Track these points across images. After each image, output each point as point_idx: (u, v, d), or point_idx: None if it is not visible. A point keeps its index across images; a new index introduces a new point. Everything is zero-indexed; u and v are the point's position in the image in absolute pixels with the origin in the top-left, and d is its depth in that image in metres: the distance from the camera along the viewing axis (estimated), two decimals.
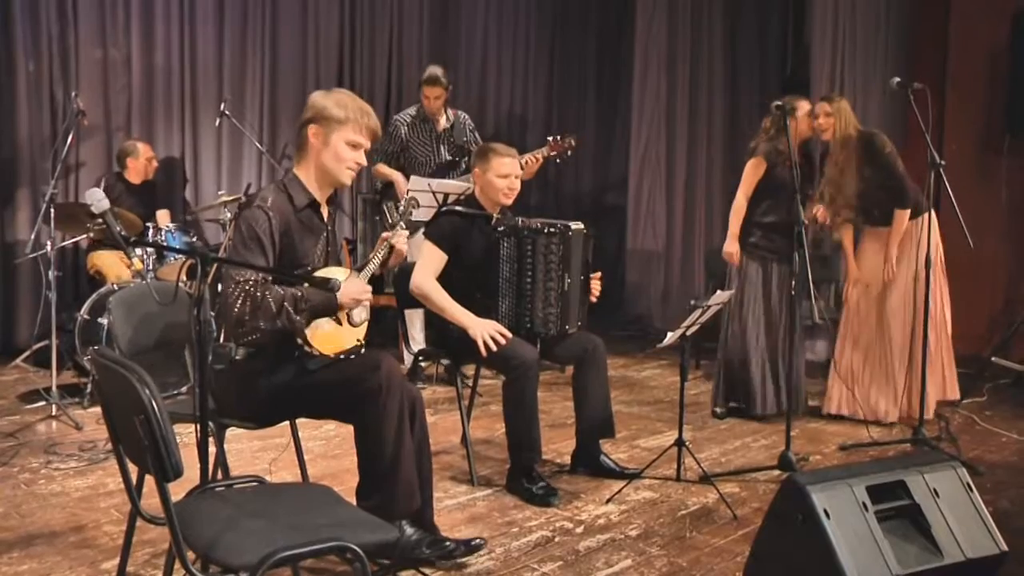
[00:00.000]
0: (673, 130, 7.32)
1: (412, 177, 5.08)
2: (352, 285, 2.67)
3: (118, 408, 1.94)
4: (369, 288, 2.76)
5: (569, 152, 5.10)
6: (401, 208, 3.14)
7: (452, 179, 5.17)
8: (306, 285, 2.63)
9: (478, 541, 2.88)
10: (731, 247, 4.61)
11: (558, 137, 5.08)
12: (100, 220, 2.25)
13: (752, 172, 4.58)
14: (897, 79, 4.19)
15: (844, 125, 4.45)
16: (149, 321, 2.93)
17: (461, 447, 3.97)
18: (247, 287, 2.51)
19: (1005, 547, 2.51)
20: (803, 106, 4.54)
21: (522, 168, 4.60)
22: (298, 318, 2.57)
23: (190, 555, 1.84)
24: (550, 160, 5.13)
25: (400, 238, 2.94)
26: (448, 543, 2.80)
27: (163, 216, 5.61)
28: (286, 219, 2.66)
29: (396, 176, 5.22)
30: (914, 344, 4.49)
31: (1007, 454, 4.21)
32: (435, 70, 5.25)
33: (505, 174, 3.66)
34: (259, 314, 2.52)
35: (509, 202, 3.70)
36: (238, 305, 2.50)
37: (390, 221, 5.34)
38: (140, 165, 5.56)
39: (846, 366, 4.70)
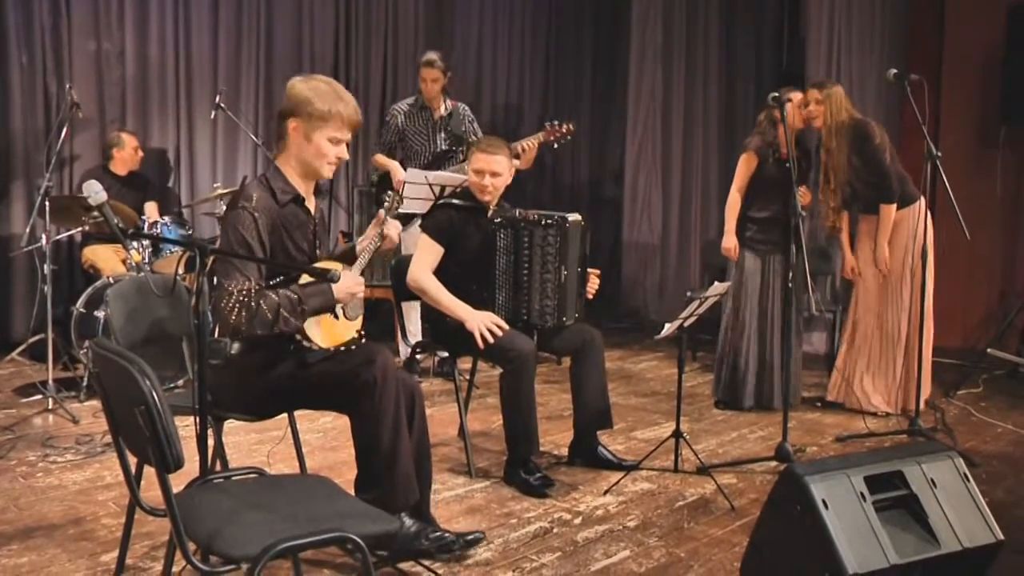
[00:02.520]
0: (669, 122, 7.32)
1: (409, 170, 5.07)
2: (346, 280, 2.66)
3: (118, 399, 1.93)
4: (362, 280, 2.75)
5: (568, 137, 5.07)
6: (386, 204, 3.09)
7: (448, 169, 5.16)
8: (303, 281, 2.63)
9: (476, 535, 2.88)
10: (728, 242, 4.64)
11: (555, 122, 5.05)
12: (96, 213, 2.24)
13: (744, 167, 4.61)
14: (894, 71, 4.20)
15: (836, 111, 4.44)
16: (146, 314, 2.93)
17: (458, 439, 3.98)
18: (241, 297, 2.50)
19: (1001, 536, 2.53)
20: (795, 97, 4.54)
21: (518, 156, 4.57)
22: (295, 321, 2.56)
23: (191, 546, 1.84)
24: (547, 146, 5.10)
25: (391, 226, 2.91)
26: (447, 535, 2.80)
27: (151, 208, 5.58)
28: (272, 217, 2.62)
29: (393, 166, 5.21)
30: (911, 335, 4.51)
31: (1002, 445, 4.23)
32: (431, 53, 5.27)
33: (478, 169, 3.64)
34: (255, 322, 2.51)
35: (486, 198, 3.66)
36: (234, 316, 2.49)
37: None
38: (126, 155, 5.52)
39: (844, 356, 4.72)
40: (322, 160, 2.68)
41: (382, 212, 2.94)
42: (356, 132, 2.77)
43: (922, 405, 4.45)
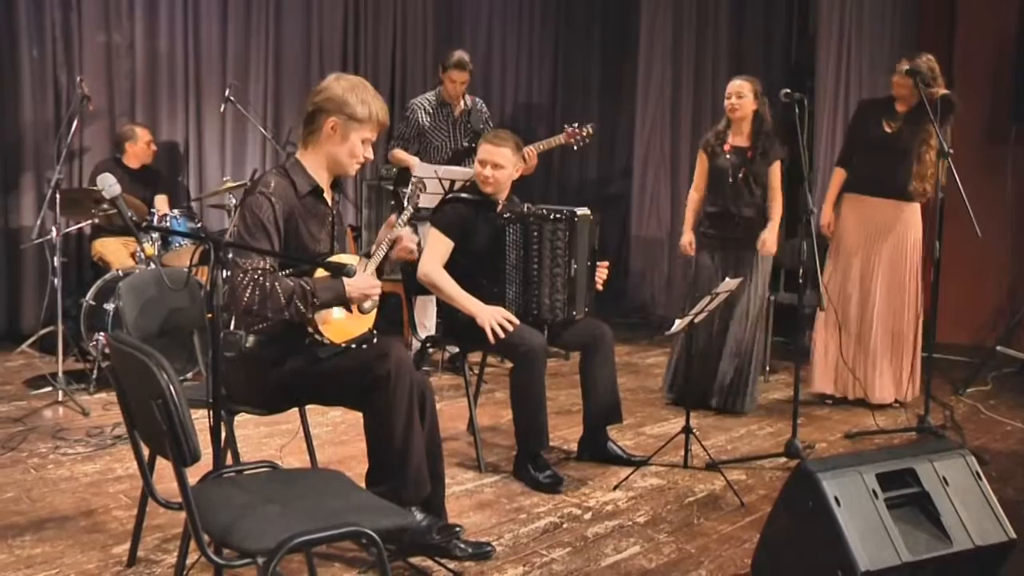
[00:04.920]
0: (677, 118, 7.29)
1: (419, 164, 5.06)
2: (361, 280, 2.67)
3: (134, 392, 1.94)
4: (379, 284, 2.76)
5: (587, 139, 5.09)
6: (408, 192, 3.12)
7: (466, 165, 5.16)
8: (316, 275, 2.63)
9: (486, 548, 2.84)
10: (684, 238, 4.68)
11: (575, 125, 5.07)
12: (107, 206, 2.25)
13: (698, 165, 4.65)
14: (906, 68, 4.19)
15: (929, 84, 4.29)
16: (156, 307, 2.94)
17: (467, 434, 3.98)
18: (256, 276, 2.52)
19: (1013, 535, 2.52)
20: (743, 88, 4.47)
21: (524, 160, 4.56)
22: (305, 311, 2.57)
23: (205, 538, 1.84)
24: (567, 147, 5.12)
25: (406, 232, 2.92)
26: (458, 529, 2.80)
27: (161, 201, 5.58)
28: (290, 205, 2.66)
29: (413, 162, 5.17)
30: (906, 330, 4.58)
31: (1012, 443, 4.22)
32: (462, 54, 5.19)
33: (480, 160, 3.65)
34: (268, 304, 2.52)
35: (487, 189, 3.66)
36: (247, 294, 2.51)
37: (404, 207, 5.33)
38: (139, 149, 5.53)
39: (832, 348, 4.72)
40: (353, 160, 2.74)
41: (393, 217, 2.94)
42: (383, 133, 2.82)
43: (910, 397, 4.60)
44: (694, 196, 4.67)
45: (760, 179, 4.46)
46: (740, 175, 4.44)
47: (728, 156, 4.47)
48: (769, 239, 4.42)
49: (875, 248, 4.61)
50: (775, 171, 4.48)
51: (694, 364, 4.39)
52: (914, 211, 4.59)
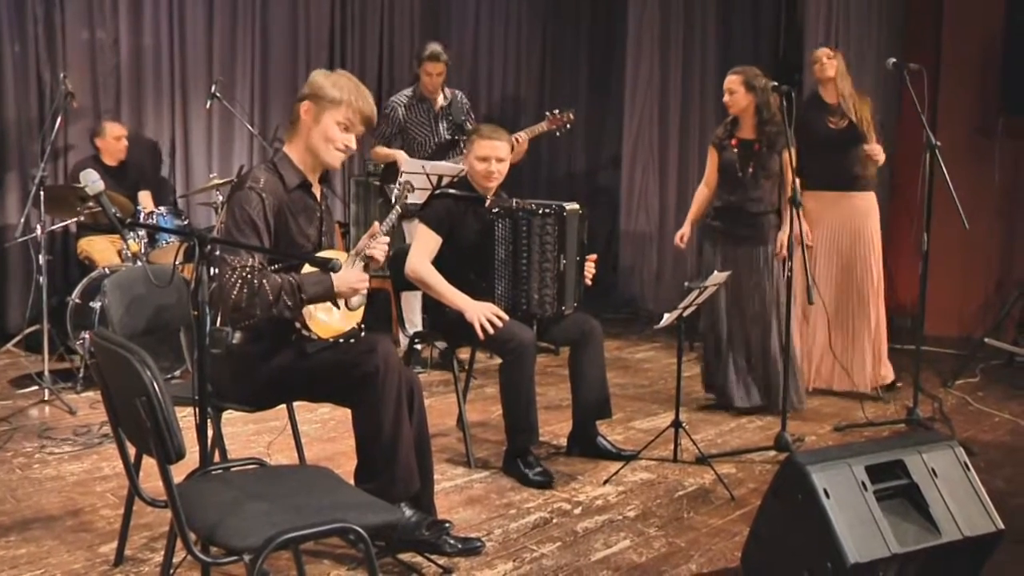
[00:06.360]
0: (666, 112, 7.29)
1: (406, 159, 5.04)
2: (350, 274, 2.65)
3: (118, 390, 1.92)
4: (366, 277, 2.74)
5: (568, 126, 5.07)
6: (396, 193, 3.10)
7: (451, 159, 5.14)
8: (304, 271, 2.61)
9: (475, 544, 2.82)
10: (680, 231, 4.69)
11: (556, 111, 5.06)
12: (92, 203, 2.23)
13: (709, 160, 4.62)
14: (893, 59, 4.20)
15: (844, 72, 4.64)
16: (143, 304, 2.91)
17: (457, 430, 3.97)
18: (244, 274, 2.49)
19: (1002, 525, 2.53)
20: (733, 81, 4.42)
21: (512, 148, 4.56)
22: (293, 307, 2.55)
23: (191, 537, 1.83)
24: (549, 134, 5.11)
25: (379, 248, 2.83)
26: (447, 524, 2.79)
27: (145, 198, 5.53)
28: (279, 200, 2.64)
29: (399, 155, 5.15)
30: (875, 316, 4.69)
31: (1000, 434, 4.23)
32: (435, 46, 5.20)
33: (483, 156, 3.62)
34: (256, 301, 2.50)
35: (490, 185, 3.65)
36: (235, 292, 2.48)
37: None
38: (109, 145, 5.46)
39: (818, 340, 4.77)
40: (329, 145, 2.68)
41: (376, 224, 2.89)
42: (369, 127, 2.76)
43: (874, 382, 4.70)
44: (702, 190, 4.62)
45: (769, 172, 4.37)
46: (749, 169, 4.38)
47: (735, 150, 4.41)
48: (783, 241, 4.39)
49: (839, 241, 4.70)
50: (786, 160, 4.29)
51: (728, 365, 4.49)
52: (871, 200, 4.72)
